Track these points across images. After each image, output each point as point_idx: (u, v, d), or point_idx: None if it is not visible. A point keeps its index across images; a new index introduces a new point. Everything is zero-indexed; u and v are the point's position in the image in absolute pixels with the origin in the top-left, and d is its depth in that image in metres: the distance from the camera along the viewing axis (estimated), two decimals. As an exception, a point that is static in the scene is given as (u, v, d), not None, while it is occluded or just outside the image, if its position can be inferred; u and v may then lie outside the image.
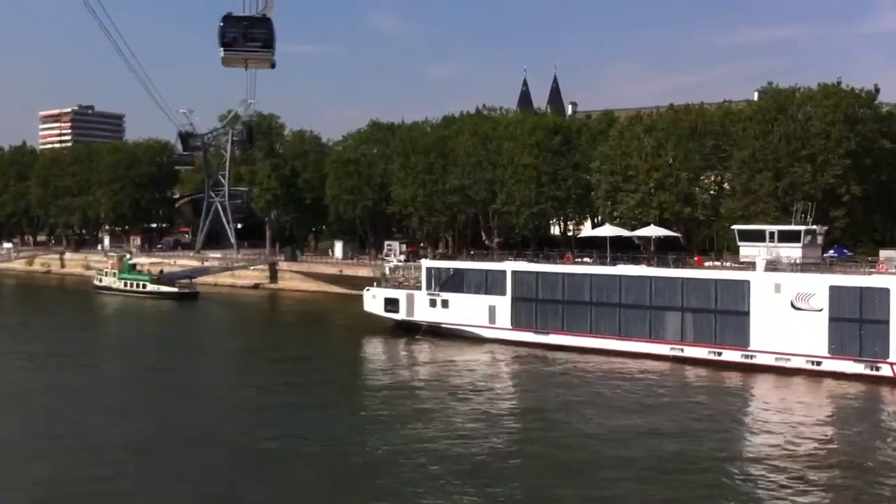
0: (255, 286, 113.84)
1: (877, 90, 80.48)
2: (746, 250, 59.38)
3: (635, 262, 63.37)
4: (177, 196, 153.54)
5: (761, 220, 78.17)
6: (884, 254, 61.53)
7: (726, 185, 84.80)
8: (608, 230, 70.63)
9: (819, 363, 52.37)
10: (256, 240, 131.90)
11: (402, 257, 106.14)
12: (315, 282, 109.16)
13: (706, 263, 64.97)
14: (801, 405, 46.58)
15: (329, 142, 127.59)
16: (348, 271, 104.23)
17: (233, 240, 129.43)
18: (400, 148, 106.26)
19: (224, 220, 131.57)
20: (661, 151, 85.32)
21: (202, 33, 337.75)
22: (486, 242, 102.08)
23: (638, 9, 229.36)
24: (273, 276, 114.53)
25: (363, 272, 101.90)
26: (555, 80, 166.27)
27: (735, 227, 64.51)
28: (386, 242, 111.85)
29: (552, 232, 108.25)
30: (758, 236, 59.60)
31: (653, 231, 71.43)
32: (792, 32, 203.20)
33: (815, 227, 60.73)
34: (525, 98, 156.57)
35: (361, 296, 75.44)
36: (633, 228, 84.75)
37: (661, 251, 72.02)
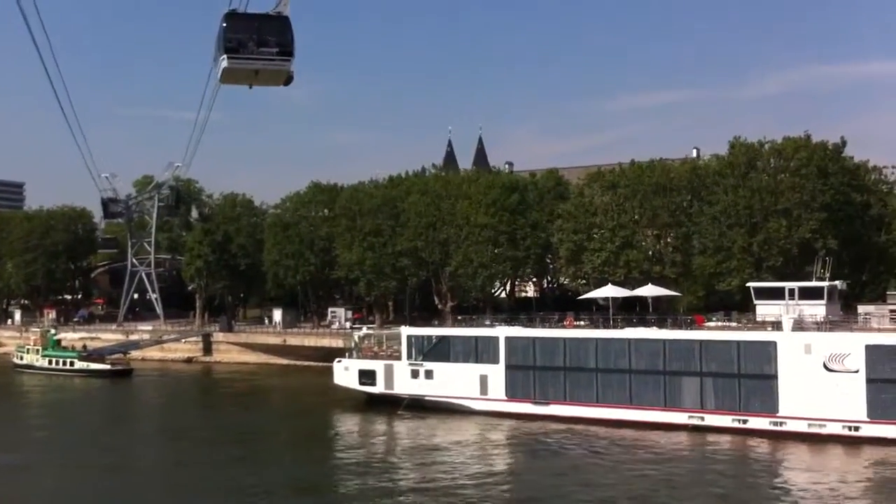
0: (189, 360, 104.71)
1: (843, 143, 78.52)
2: (764, 309, 54.90)
3: (644, 323, 58.16)
4: (98, 265, 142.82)
5: (735, 278, 75.07)
6: (862, 309, 58.37)
7: (696, 243, 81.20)
8: (610, 290, 65.52)
9: (857, 428, 47.81)
10: (183, 309, 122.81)
11: (348, 324, 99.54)
12: (254, 353, 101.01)
13: (708, 323, 60.25)
14: (840, 475, 41.85)
15: (263, 205, 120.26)
16: (293, 341, 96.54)
17: (159, 310, 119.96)
18: (345, 209, 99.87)
19: (149, 289, 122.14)
20: (626, 208, 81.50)
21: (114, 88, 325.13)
22: (439, 307, 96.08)
23: (536, 78, 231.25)
24: (207, 349, 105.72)
25: (310, 341, 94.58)
26: (480, 142, 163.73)
27: (751, 284, 60.20)
28: (330, 309, 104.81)
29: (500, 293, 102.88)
30: (777, 294, 55.27)
31: (650, 291, 66.57)
32: (682, 96, 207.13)
33: (836, 282, 56.79)
34: (450, 159, 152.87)
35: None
36: (599, 286, 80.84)
37: (623, 311, 67.81)
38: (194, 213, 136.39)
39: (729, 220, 75.90)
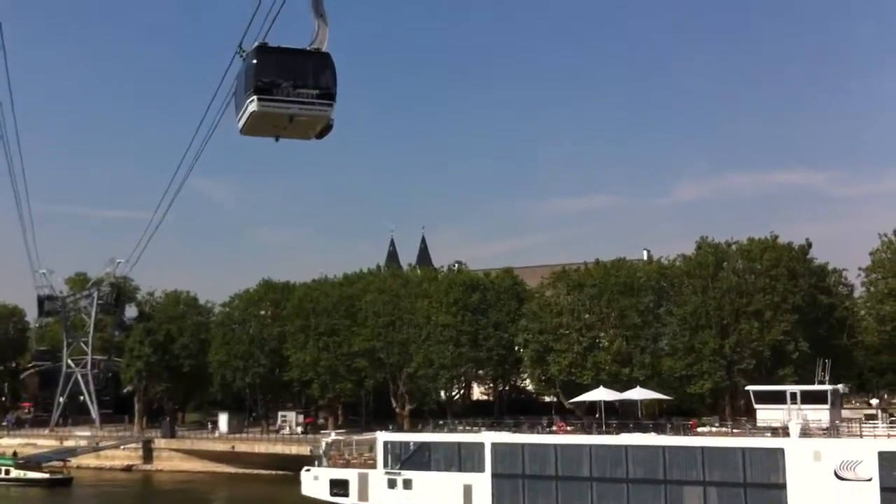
0: (128, 468, 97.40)
1: (809, 245, 77.83)
2: (765, 413, 52.15)
3: (641, 429, 54.86)
4: (28, 366, 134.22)
5: (707, 381, 72.91)
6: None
7: (664, 345, 79.02)
8: (602, 393, 62.23)
9: (872, 540, 44.84)
10: (119, 413, 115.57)
11: (299, 429, 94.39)
12: (199, 461, 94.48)
13: (700, 429, 57.28)
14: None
15: (208, 303, 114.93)
16: (242, 447, 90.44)
17: (95, 414, 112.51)
18: (299, 308, 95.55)
19: (84, 392, 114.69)
20: (593, 308, 79.20)
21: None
22: (396, 410, 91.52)
23: (464, 180, 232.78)
24: (148, 456, 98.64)
25: (261, 447, 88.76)
26: (423, 241, 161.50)
27: (750, 387, 57.54)
28: (280, 413, 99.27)
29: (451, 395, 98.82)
30: (779, 397, 52.66)
31: (639, 394, 63.55)
32: (604, 203, 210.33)
33: (839, 386, 54.61)
34: (393, 258, 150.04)
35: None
36: (565, 388, 78.02)
37: (594, 415, 64.86)
38: (130, 312, 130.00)
39: (699, 321, 74.06)
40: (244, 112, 19.18)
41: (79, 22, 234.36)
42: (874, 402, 78.10)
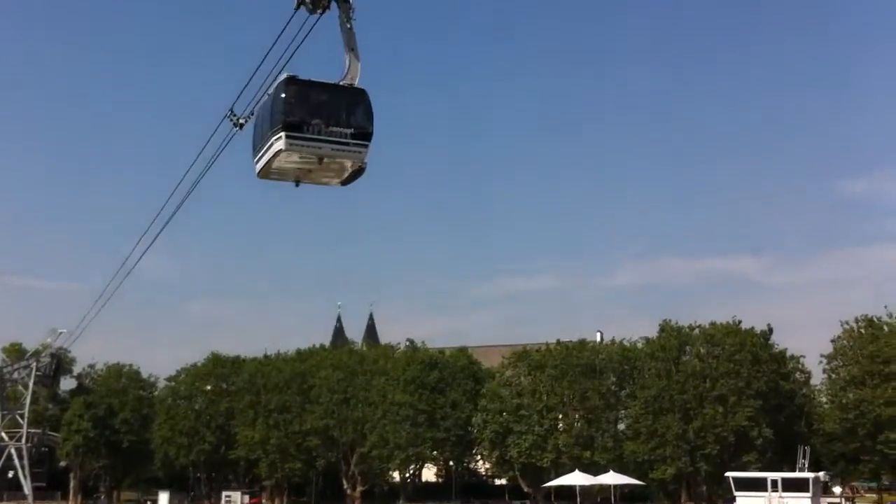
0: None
1: (770, 330, 77.20)
2: (746, 501, 50.37)
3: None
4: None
5: (670, 466, 71.17)
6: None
7: (622, 427, 77.25)
8: (578, 478, 59.80)
9: None
10: (51, 490, 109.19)
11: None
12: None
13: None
14: None
15: (151, 377, 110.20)
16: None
17: (28, 490, 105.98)
18: (248, 384, 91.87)
19: (18, 466, 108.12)
20: (554, 389, 77.27)
21: None
22: (347, 491, 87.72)
23: (412, 256, 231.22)
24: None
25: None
26: (370, 318, 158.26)
27: (730, 474, 55.80)
28: (224, 493, 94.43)
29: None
30: (759, 485, 51.02)
31: (613, 479, 61.27)
32: (546, 283, 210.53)
33: (820, 473, 53.11)
34: (339, 334, 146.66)
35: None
36: (524, 471, 75.64)
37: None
38: (66, 385, 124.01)
39: (662, 405, 72.65)
40: (266, 150, 17.12)
41: (22, 89, 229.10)
42: (837, 490, 76.83)
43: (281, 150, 16.73)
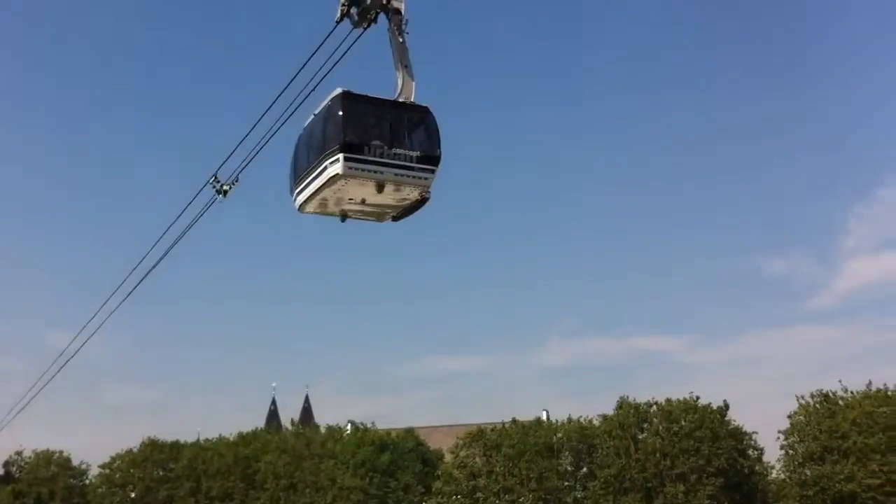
0: None
1: (726, 406, 75.92)
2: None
3: None
4: None
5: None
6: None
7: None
8: None
9: None
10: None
11: None
12: None
13: None
14: None
15: (82, 464, 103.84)
16: None
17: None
18: (188, 469, 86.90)
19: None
20: (512, 470, 74.52)
21: None
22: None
23: (346, 335, 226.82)
24: None
25: None
26: (306, 400, 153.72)
27: None
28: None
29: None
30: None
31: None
32: (475, 363, 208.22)
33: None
34: (274, 416, 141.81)
35: None
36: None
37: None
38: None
39: (622, 484, 70.54)
40: (315, 178, 14.81)
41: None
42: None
43: (337, 174, 14.49)
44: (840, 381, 72.98)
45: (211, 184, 18.25)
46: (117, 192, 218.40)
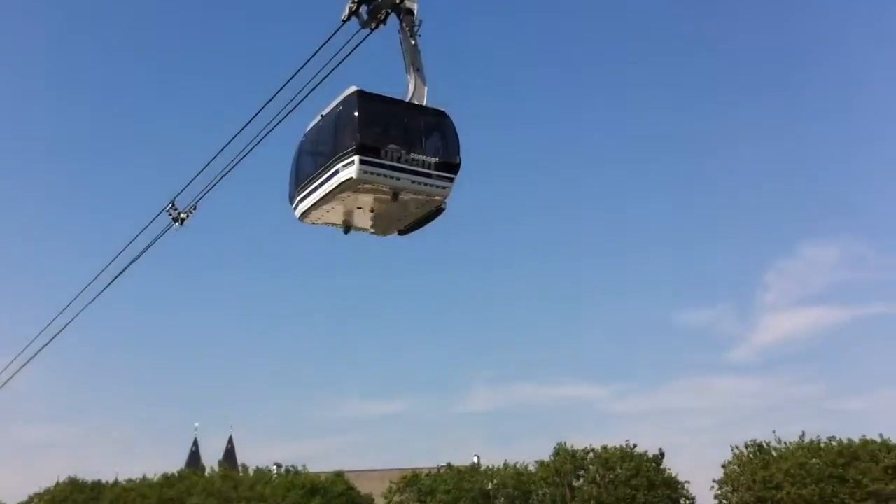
0: None
1: (662, 454, 75.80)
2: None
3: None
4: None
5: None
6: None
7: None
8: None
9: None
10: None
11: None
12: None
13: None
14: None
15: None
16: None
17: None
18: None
19: None
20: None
21: None
22: None
23: (269, 376, 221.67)
24: None
25: None
26: (230, 441, 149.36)
27: None
28: None
29: None
30: None
31: None
32: (399, 407, 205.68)
33: None
34: (195, 457, 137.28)
35: None
36: None
37: None
38: None
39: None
40: (324, 182, 13.65)
41: None
42: None
43: (351, 179, 13.33)
44: (774, 432, 73.59)
45: (167, 211, 16.96)
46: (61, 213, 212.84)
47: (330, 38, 13.29)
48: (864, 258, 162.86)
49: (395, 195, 13.80)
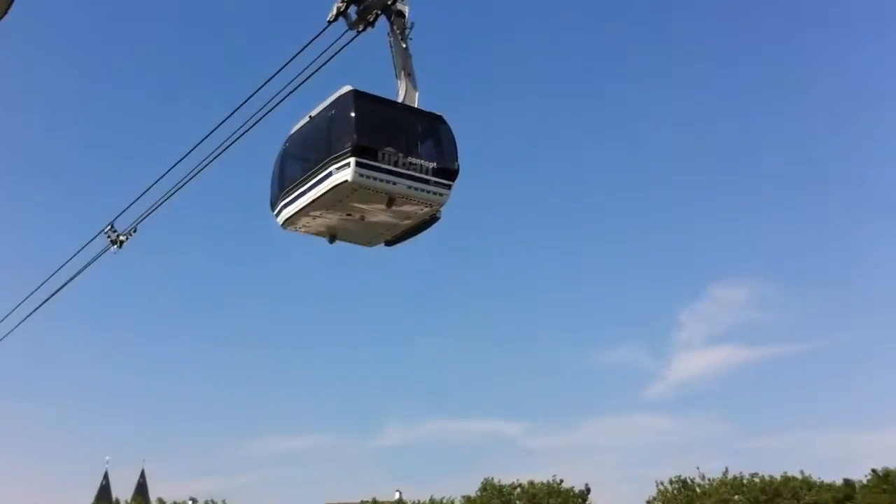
0: None
1: (588, 490, 75.71)
2: None
3: None
4: None
5: None
6: None
7: None
8: None
9: None
10: None
11: None
12: None
13: None
14: None
15: None
16: None
17: None
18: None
19: None
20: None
21: None
22: None
23: (184, 410, 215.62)
24: None
25: None
26: (142, 475, 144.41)
27: None
28: None
29: None
30: None
31: None
32: (315, 442, 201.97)
33: None
34: (105, 492, 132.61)
35: None
36: None
37: None
38: None
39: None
40: (314, 186, 12.88)
41: None
42: None
43: (346, 181, 12.53)
44: (698, 468, 74.02)
45: (106, 233, 16.05)
46: None
47: (309, 43, 12.62)
48: (769, 299, 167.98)
49: (391, 201, 13.09)
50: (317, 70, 12.65)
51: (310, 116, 13.66)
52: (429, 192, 13.36)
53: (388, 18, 13.01)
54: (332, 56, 12.35)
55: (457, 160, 13.64)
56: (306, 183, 13.38)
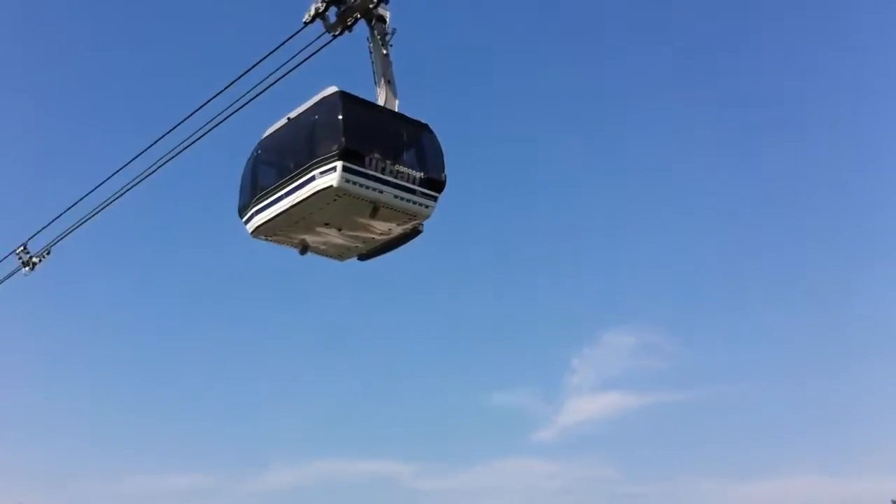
0: None
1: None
2: None
3: None
4: None
5: None
6: None
7: None
8: None
9: None
10: None
11: None
12: None
13: None
14: None
15: None
16: None
17: None
18: None
19: None
20: None
21: None
22: None
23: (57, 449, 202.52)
24: None
25: None
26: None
27: None
28: None
29: None
30: None
31: None
32: (193, 481, 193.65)
33: None
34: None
35: None
36: None
37: None
38: None
39: None
40: (295, 191, 11.98)
41: None
42: None
43: (331, 187, 11.67)
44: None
45: (17, 254, 15.03)
46: None
47: (279, 47, 11.96)
48: (658, 347, 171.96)
49: (375, 211, 12.28)
50: (276, 81, 12.05)
51: (288, 118, 12.91)
52: (415, 202, 12.69)
53: (369, 23, 12.50)
54: (303, 61, 11.76)
55: (444, 171, 13.07)
56: (283, 188, 12.54)
